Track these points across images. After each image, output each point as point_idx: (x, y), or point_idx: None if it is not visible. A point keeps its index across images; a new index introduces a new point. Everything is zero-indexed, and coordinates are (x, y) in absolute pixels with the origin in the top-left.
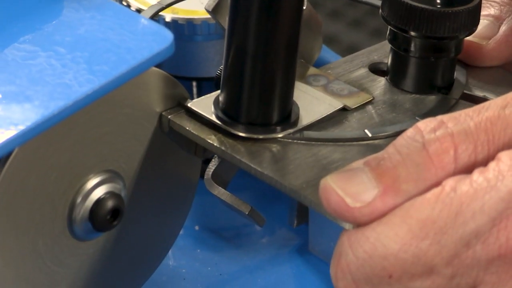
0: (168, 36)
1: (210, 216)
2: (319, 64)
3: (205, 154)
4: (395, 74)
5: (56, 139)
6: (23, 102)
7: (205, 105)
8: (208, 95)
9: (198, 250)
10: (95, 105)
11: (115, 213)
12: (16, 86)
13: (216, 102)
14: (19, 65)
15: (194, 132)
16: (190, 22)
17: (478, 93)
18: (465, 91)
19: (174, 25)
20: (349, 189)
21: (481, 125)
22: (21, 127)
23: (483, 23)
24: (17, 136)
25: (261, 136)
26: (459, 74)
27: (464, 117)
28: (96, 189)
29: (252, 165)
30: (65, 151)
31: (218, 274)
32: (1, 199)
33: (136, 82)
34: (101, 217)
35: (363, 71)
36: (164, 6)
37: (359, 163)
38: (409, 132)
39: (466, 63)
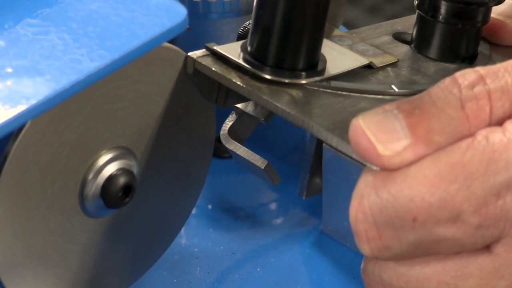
0: (181, 12)
1: (223, 195)
2: None
3: (226, 102)
4: (420, 40)
5: (68, 115)
6: (35, 76)
7: (232, 49)
8: (235, 42)
9: (211, 229)
10: (107, 81)
11: (127, 190)
12: (28, 60)
13: (243, 47)
14: (31, 39)
15: (220, 73)
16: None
17: None
18: (489, 65)
19: (189, 3)
20: (381, 135)
21: None
22: (33, 101)
23: (508, 2)
24: (29, 110)
25: (287, 80)
26: (483, 48)
27: (503, 73)
28: (108, 166)
29: (279, 105)
30: (77, 126)
31: (231, 253)
32: (12, 173)
33: (149, 58)
34: (113, 194)
35: (387, 38)
36: None
37: (392, 106)
38: (447, 82)
39: (489, 41)
